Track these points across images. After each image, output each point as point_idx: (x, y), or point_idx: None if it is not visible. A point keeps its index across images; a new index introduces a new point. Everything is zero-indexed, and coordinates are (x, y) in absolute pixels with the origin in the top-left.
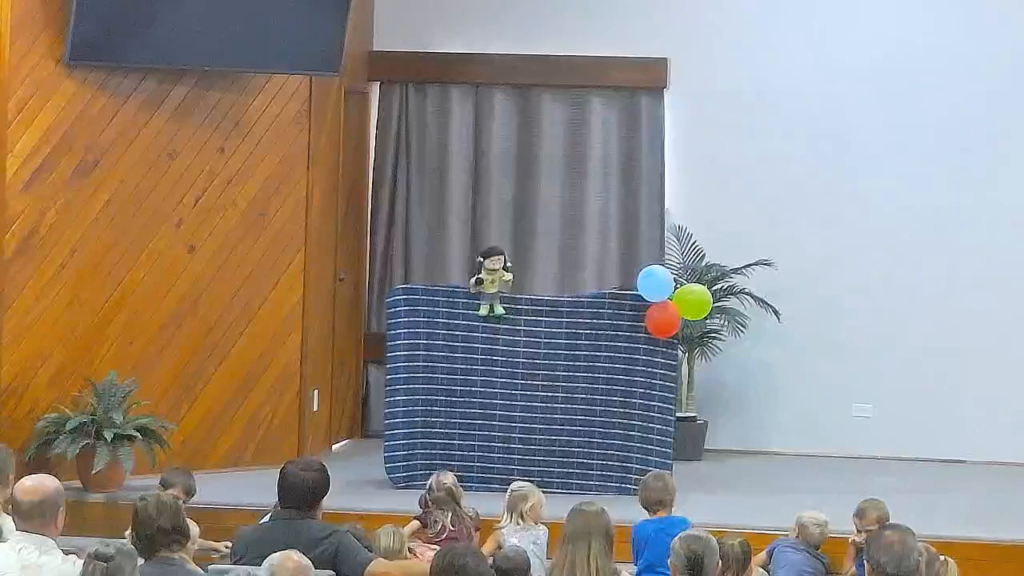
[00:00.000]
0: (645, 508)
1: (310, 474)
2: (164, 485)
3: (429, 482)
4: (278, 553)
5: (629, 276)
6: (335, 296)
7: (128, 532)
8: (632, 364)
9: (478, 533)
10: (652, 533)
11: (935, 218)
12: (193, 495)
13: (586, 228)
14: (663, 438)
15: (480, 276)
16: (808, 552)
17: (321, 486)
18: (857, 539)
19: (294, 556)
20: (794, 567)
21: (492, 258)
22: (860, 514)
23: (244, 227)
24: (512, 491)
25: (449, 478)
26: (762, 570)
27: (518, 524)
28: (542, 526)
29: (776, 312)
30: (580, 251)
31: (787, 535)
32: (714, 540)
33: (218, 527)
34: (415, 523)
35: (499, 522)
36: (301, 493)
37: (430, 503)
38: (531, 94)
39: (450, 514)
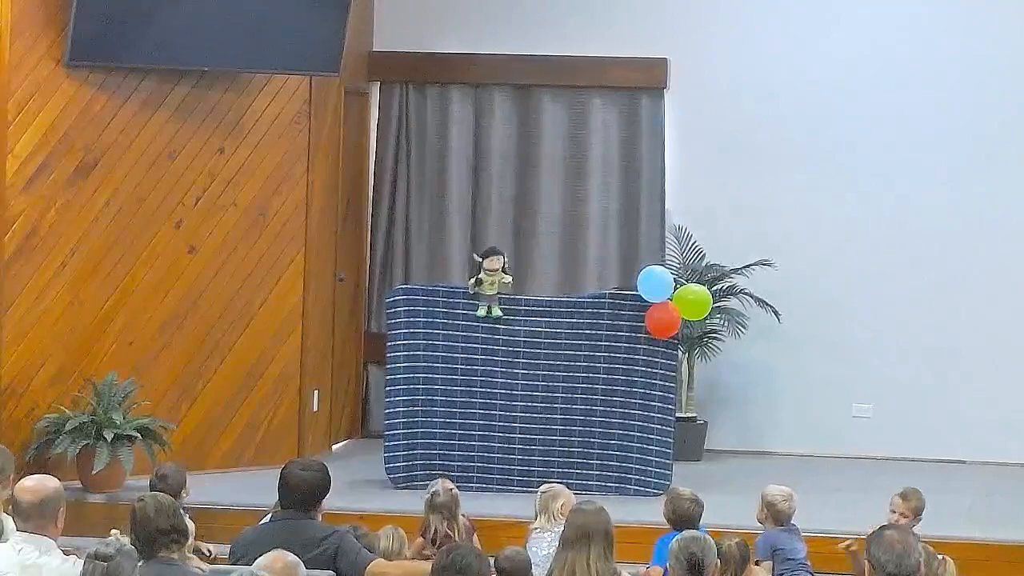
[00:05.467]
0: (677, 524)
1: (310, 474)
2: (153, 486)
3: (435, 487)
4: (267, 553)
5: (629, 276)
6: (335, 296)
7: (115, 530)
8: (632, 364)
9: (472, 539)
10: None
11: (935, 218)
12: (183, 489)
13: (586, 228)
14: (663, 438)
15: (479, 276)
16: (798, 535)
17: (321, 486)
18: (852, 546)
19: (284, 556)
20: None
21: (491, 258)
22: (905, 496)
23: (244, 227)
24: (542, 492)
25: (452, 486)
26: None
27: (549, 522)
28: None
29: (776, 312)
30: (580, 251)
31: (769, 525)
32: (712, 541)
33: (218, 527)
34: (420, 540)
35: (491, 524)
36: (301, 493)
37: (431, 508)
38: (531, 94)
39: (446, 521)
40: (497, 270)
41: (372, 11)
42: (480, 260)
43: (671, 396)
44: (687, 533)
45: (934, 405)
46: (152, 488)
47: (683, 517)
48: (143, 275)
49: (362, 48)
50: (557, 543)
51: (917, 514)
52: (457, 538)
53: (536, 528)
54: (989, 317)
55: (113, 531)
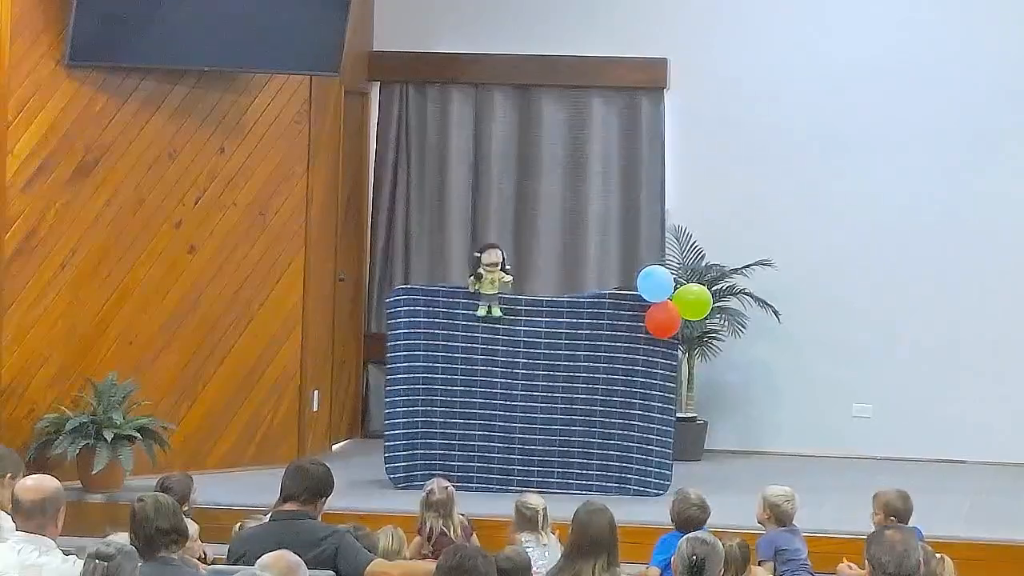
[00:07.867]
0: (681, 526)
1: (315, 467)
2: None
3: (430, 486)
4: (269, 553)
5: (629, 276)
6: (335, 296)
7: (118, 532)
8: (632, 364)
9: (471, 538)
10: None
11: (936, 217)
12: (187, 501)
13: (586, 228)
14: (663, 438)
15: (479, 271)
16: (799, 535)
17: (325, 481)
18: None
19: (286, 555)
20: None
21: (489, 251)
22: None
23: (244, 227)
24: (542, 508)
25: (448, 484)
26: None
27: (539, 537)
28: (553, 536)
29: (776, 312)
30: (580, 251)
31: (771, 526)
32: (720, 545)
33: (218, 527)
34: (418, 539)
35: (491, 524)
36: (304, 483)
37: (427, 506)
38: (531, 94)
39: (441, 519)
40: (496, 264)
41: (372, 11)
42: (478, 255)
43: (671, 396)
44: (698, 534)
45: (934, 405)
46: None
47: (687, 521)
48: (143, 275)
49: (362, 48)
50: (544, 557)
51: (892, 514)
52: (453, 536)
53: (531, 550)
54: (989, 317)
55: (109, 533)
